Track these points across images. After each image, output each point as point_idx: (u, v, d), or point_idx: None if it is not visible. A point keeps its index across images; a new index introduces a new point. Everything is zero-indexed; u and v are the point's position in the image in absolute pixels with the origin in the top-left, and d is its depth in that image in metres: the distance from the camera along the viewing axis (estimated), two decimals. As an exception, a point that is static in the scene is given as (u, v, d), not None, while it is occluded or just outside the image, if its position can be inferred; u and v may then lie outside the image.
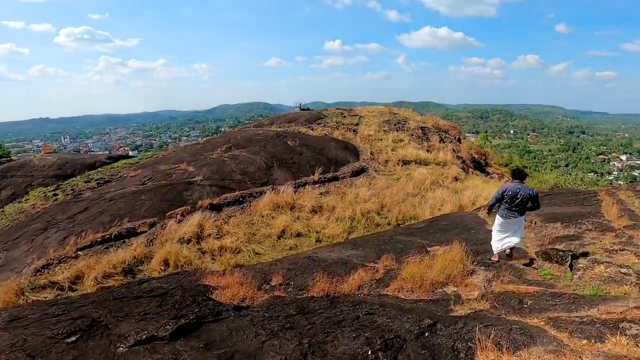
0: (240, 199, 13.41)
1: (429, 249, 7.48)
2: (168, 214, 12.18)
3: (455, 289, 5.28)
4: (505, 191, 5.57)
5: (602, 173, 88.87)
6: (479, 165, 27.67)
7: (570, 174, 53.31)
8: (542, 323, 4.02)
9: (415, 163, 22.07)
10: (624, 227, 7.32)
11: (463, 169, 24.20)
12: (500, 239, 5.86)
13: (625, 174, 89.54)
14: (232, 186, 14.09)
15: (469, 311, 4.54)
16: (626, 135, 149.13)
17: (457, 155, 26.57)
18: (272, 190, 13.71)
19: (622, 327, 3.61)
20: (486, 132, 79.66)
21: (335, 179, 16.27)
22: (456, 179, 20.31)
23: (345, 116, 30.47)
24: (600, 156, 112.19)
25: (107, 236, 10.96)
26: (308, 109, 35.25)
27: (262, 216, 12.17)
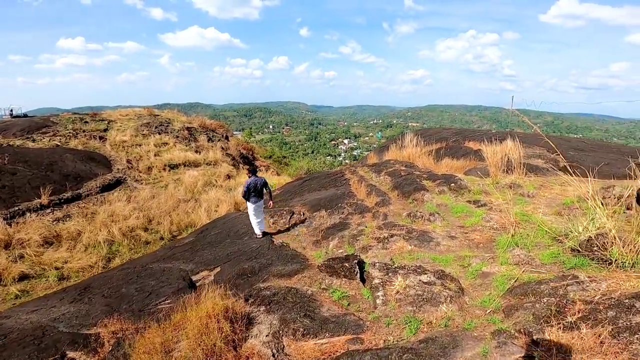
0: None
1: (194, 278, 5.88)
2: None
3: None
4: (249, 184, 6.97)
5: (335, 155, 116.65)
6: (248, 160, 29.44)
7: (316, 159, 66.69)
8: None
9: (185, 166, 20.76)
10: (375, 204, 7.81)
11: (234, 165, 24.94)
12: (258, 222, 7.16)
13: (349, 154, 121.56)
14: None
15: None
16: (345, 124, 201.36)
17: (226, 153, 27.10)
18: (-38, 232, 8.96)
19: None
20: (250, 128, 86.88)
21: (78, 197, 12.64)
22: (229, 176, 20.63)
23: (87, 122, 24.74)
24: (332, 142, 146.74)
25: None
26: (25, 116, 26.17)
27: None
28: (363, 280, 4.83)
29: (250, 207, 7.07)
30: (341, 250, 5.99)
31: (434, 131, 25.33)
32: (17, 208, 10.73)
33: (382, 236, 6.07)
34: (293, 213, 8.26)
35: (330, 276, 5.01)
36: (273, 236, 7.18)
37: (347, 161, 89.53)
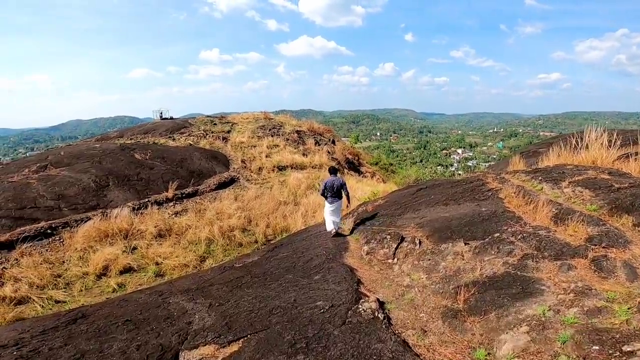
0: (49, 231, 9.72)
1: (186, 356, 3.45)
2: None
3: None
4: (326, 184, 7.14)
5: (446, 165, 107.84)
6: (353, 166, 28.78)
7: (426, 168, 62.31)
8: None
9: (292, 168, 21.18)
10: (586, 240, 4.40)
11: (339, 170, 24.55)
12: (331, 221, 7.31)
13: (462, 164, 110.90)
14: (36, 216, 10.14)
15: None
16: (459, 132, 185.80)
17: (332, 157, 26.99)
18: (102, 215, 10.39)
19: None
20: (357, 134, 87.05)
21: (196, 193, 13.73)
22: (332, 180, 20.16)
23: (215, 124, 27.88)
24: (444, 151, 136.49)
25: None
26: (171, 118, 31.14)
27: (79, 250, 8.94)
28: None
29: (327, 206, 7.30)
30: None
31: (618, 130, 18.18)
32: (147, 199, 12.14)
33: None
34: (402, 239, 5.53)
35: None
36: (361, 284, 4.43)
37: (460, 172, 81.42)
